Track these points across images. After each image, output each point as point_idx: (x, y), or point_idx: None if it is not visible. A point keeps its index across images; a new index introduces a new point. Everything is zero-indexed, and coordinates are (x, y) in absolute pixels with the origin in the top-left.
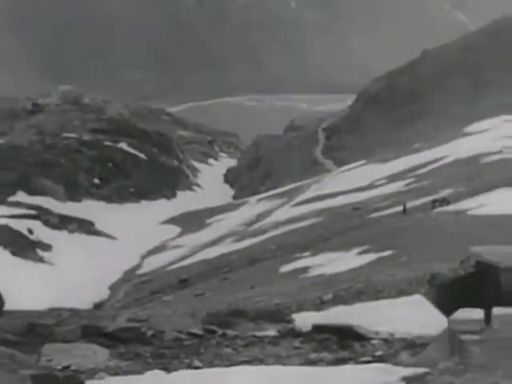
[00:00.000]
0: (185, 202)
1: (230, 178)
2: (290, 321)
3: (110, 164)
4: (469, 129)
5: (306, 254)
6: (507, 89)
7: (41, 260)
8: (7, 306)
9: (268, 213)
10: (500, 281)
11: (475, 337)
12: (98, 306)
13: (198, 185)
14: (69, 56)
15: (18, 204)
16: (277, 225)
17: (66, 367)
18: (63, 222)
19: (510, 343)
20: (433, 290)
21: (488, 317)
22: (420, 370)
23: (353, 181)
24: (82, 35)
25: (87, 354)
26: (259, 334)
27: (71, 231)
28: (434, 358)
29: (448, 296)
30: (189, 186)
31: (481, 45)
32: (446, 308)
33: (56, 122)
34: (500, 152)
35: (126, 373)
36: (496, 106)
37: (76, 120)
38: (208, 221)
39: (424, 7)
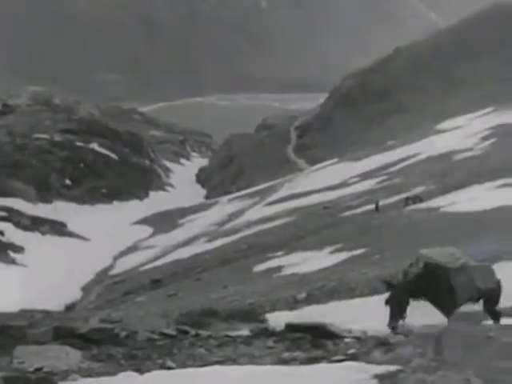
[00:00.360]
0: (157, 202)
1: (202, 177)
2: (264, 320)
3: (82, 165)
4: (441, 126)
5: (279, 253)
6: (478, 86)
7: (13, 262)
8: None
9: (240, 212)
10: (450, 281)
11: (446, 335)
12: (70, 308)
13: (170, 185)
14: (39, 57)
15: None
16: (249, 224)
17: (39, 369)
18: (35, 224)
19: (478, 341)
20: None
21: (447, 315)
22: (393, 368)
23: (325, 179)
24: (54, 36)
25: (60, 356)
26: (232, 333)
27: (43, 233)
28: (407, 355)
29: (400, 297)
30: (161, 186)
31: (452, 43)
32: (400, 309)
33: (27, 123)
34: (471, 149)
35: (99, 374)
36: (467, 103)
37: (47, 121)
38: (180, 221)
39: (397, 7)
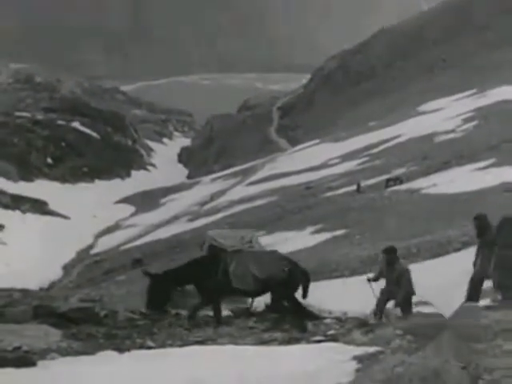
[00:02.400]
0: (139, 181)
1: (184, 157)
2: (244, 300)
3: (63, 143)
4: (422, 108)
5: (260, 233)
6: (460, 68)
7: None
8: None
9: (222, 192)
10: (226, 265)
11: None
12: (50, 287)
13: (152, 164)
14: (20, 34)
15: None
16: (231, 204)
17: (17, 348)
18: (16, 202)
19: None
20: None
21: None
22: (372, 349)
23: (307, 160)
24: (34, 13)
25: (39, 335)
26: (212, 313)
27: (24, 211)
28: (387, 336)
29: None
30: (143, 165)
31: (434, 24)
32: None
33: (8, 101)
34: (453, 131)
35: (78, 353)
36: (449, 85)
37: (28, 99)
38: (162, 200)
39: None
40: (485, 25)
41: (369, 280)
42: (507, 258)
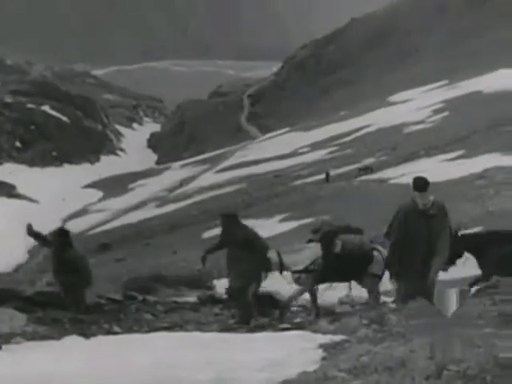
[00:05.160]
0: (108, 166)
1: (154, 142)
2: (211, 287)
3: (33, 127)
4: (393, 98)
5: None
6: (432, 59)
7: None
8: None
9: (191, 179)
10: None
11: (392, 305)
12: (16, 270)
13: (121, 149)
14: None
15: None
16: (200, 191)
17: None
18: None
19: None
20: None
21: None
22: (338, 338)
23: (276, 148)
24: None
25: (3, 319)
26: (179, 300)
27: None
28: (353, 325)
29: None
30: (112, 150)
31: (407, 13)
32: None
33: None
34: (423, 122)
35: (44, 338)
36: (420, 76)
37: None
38: (131, 185)
39: None
40: (458, 15)
41: None
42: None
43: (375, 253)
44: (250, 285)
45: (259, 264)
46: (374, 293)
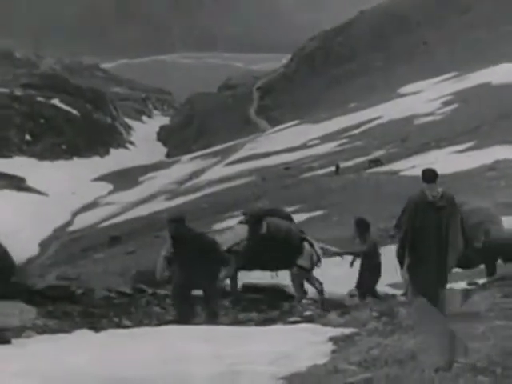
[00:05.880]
0: (118, 159)
1: (164, 135)
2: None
3: (42, 120)
4: (402, 90)
5: (238, 212)
6: (442, 50)
7: None
8: None
9: (201, 171)
10: None
11: (402, 298)
12: (26, 264)
13: (131, 142)
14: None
15: None
16: (210, 183)
17: None
18: None
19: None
20: None
21: None
22: (348, 331)
23: (286, 141)
24: None
25: (14, 312)
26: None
27: (1, 187)
28: (363, 318)
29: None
30: (122, 143)
31: (416, 5)
32: None
33: None
34: (432, 114)
35: (54, 331)
36: (430, 68)
37: (7, 75)
38: (141, 178)
39: None
40: (467, 7)
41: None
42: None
43: (306, 245)
44: (198, 285)
45: (212, 263)
46: (297, 286)
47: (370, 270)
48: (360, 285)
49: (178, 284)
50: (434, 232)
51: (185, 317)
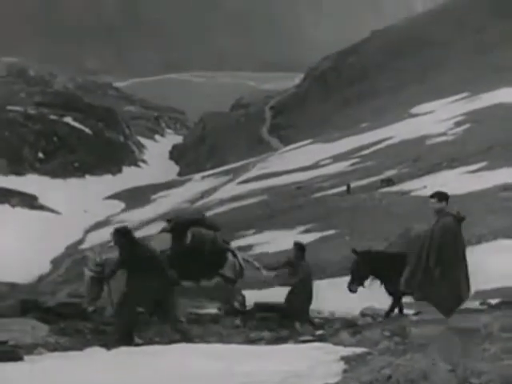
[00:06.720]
0: (130, 177)
1: (176, 154)
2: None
3: (55, 138)
4: (414, 110)
5: (249, 231)
6: (453, 71)
7: None
8: None
9: (213, 190)
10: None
11: (414, 318)
12: (38, 281)
13: (143, 161)
14: (12, 27)
15: None
16: (221, 202)
17: (4, 342)
18: (5, 196)
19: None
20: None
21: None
22: (360, 350)
23: (298, 160)
24: (26, 6)
25: (26, 330)
26: (201, 311)
27: (13, 205)
28: (375, 338)
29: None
30: (134, 161)
31: (428, 27)
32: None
33: (0, 95)
34: (444, 134)
35: (66, 349)
36: (442, 88)
37: (21, 93)
38: (153, 197)
39: None
40: (481, 27)
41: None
42: None
43: (229, 255)
44: (141, 303)
45: (159, 281)
46: (227, 297)
47: (305, 294)
48: (291, 308)
49: (126, 294)
50: None
51: (127, 326)
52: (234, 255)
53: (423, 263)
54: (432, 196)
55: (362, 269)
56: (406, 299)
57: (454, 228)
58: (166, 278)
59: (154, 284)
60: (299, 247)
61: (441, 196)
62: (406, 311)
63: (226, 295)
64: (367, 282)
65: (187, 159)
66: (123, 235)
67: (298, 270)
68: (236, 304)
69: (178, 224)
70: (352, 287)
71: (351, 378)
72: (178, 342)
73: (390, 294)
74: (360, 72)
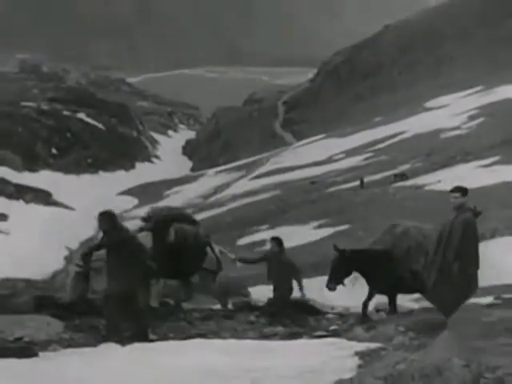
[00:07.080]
0: (143, 173)
1: (189, 149)
2: (246, 294)
3: (69, 134)
4: (428, 104)
5: (263, 227)
6: (467, 65)
7: None
8: None
9: (226, 185)
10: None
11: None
12: (53, 277)
13: (156, 156)
14: (26, 24)
15: None
16: (235, 198)
17: (19, 339)
18: (19, 192)
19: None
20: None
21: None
22: (374, 345)
23: (311, 155)
24: (41, 4)
25: (41, 326)
26: (215, 307)
27: (28, 201)
28: (389, 333)
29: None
30: (147, 157)
31: (441, 21)
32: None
33: (14, 91)
34: (458, 128)
35: (80, 345)
36: (456, 82)
37: (34, 89)
38: (166, 192)
39: None
40: (495, 21)
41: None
42: None
43: (208, 249)
44: (125, 292)
45: (136, 270)
46: (209, 288)
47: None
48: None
49: (112, 292)
50: None
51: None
52: (212, 249)
53: (439, 259)
54: (453, 190)
55: (339, 267)
56: (410, 296)
57: (475, 223)
58: (145, 268)
59: (133, 271)
60: (276, 242)
61: (463, 191)
62: (412, 305)
63: (219, 294)
64: (347, 280)
65: (200, 154)
66: (109, 219)
67: (273, 265)
68: (230, 305)
69: (159, 222)
70: (330, 285)
71: (366, 374)
72: (193, 338)
73: (379, 292)
74: (373, 66)
